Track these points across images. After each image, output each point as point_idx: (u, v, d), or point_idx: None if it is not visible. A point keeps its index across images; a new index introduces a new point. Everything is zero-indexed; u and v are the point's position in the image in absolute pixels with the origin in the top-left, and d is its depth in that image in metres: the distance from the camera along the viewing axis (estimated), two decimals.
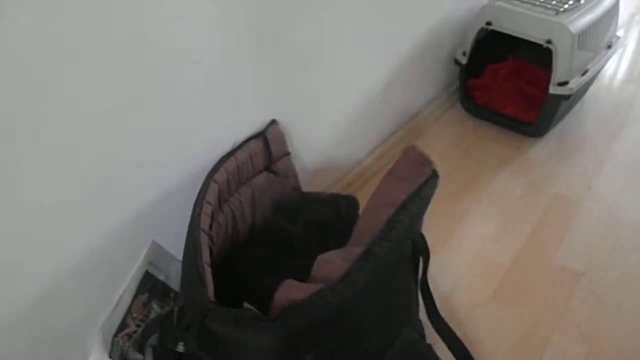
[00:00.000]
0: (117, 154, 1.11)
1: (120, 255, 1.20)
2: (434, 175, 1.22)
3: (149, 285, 1.25)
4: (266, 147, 1.40)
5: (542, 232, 1.86)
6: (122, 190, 1.16)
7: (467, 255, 1.79)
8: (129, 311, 1.22)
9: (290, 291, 0.98)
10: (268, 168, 1.42)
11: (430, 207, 1.93)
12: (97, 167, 1.08)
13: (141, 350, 1.23)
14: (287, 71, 1.46)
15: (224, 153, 1.34)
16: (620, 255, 1.77)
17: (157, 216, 1.25)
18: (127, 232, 1.19)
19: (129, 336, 1.21)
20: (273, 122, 1.44)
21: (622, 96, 2.59)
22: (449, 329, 1.33)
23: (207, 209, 1.16)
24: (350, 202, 1.44)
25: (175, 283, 1.33)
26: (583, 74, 2.18)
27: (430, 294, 1.29)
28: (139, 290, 1.23)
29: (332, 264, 1.03)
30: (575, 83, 2.13)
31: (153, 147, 1.18)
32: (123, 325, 1.20)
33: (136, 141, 1.14)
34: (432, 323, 1.29)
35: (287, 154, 1.47)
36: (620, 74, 2.77)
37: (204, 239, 1.08)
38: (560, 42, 2.07)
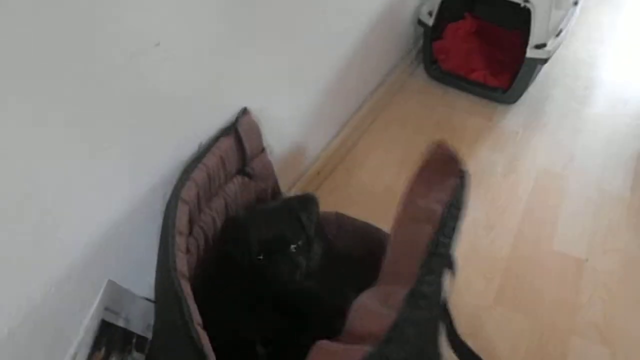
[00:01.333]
0: (48, 175, 0.81)
1: (67, 308, 0.91)
2: (465, 175, 0.99)
3: (107, 337, 0.97)
4: (239, 145, 1.12)
5: (534, 216, 1.71)
6: (64, 226, 0.86)
7: (461, 245, 1.58)
8: None
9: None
10: (242, 170, 1.15)
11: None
12: (19, 198, 0.77)
13: None
14: (254, 51, 1.18)
15: (189, 158, 1.04)
16: (617, 237, 1.66)
17: (111, 248, 0.96)
18: (73, 277, 0.90)
19: None
20: (244, 111, 1.17)
21: (580, 56, 2.45)
22: (473, 353, 1.13)
23: (181, 241, 0.88)
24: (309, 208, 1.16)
25: (137, 325, 1.06)
26: (557, 35, 1.99)
27: (450, 316, 1.06)
28: (95, 347, 0.95)
29: (372, 313, 0.80)
30: (552, 45, 1.94)
31: (99, 159, 0.89)
32: None
33: (78, 153, 0.84)
34: (454, 348, 1.07)
35: (263, 150, 1.20)
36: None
37: (186, 289, 0.80)
38: (538, 1, 1.87)
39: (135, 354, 1.07)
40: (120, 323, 1.02)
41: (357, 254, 1.25)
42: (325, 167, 1.74)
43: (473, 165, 1.85)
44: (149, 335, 1.10)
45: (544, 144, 1.97)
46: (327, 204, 1.68)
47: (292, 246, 1.06)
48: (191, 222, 0.97)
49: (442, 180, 0.99)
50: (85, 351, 0.94)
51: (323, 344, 0.78)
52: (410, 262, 0.86)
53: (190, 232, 0.99)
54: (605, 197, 1.77)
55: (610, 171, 1.86)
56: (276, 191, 1.25)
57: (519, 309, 1.43)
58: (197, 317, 0.77)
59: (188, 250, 0.96)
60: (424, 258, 0.86)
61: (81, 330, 0.94)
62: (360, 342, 0.77)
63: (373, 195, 1.74)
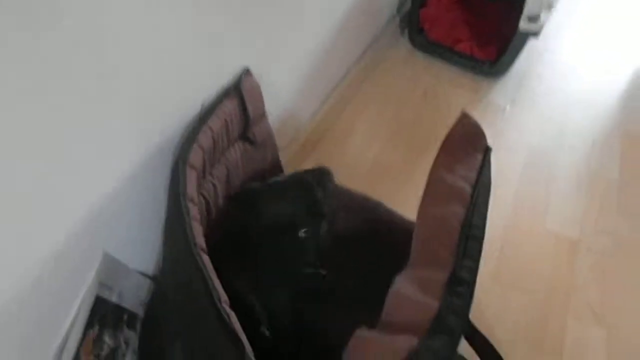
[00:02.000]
0: (45, 142, 0.71)
1: (63, 283, 0.81)
2: (488, 151, 0.92)
3: (100, 314, 0.88)
4: (242, 108, 1.04)
5: (526, 194, 1.67)
6: (61, 193, 0.76)
7: None
8: (77, 358, 0.84)
9: (372, 355, 0.68)
10: (243, 136, 1.06)
11: (401, 166, 1.71)
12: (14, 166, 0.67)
13: None
14: (256, 12, 1.09)
15: (192, 120, 0.95)
16: (608, 219, 1.64)
17: (108, 218, 0.87)
18: (71, 250, 0.80)
19: None
20: (247, 72, 1.07)
21: (564, 32, 2.40)
22: (485, 340, 1.08)
23: (195, 211, 0.80)
24: (324, 183, 1.09)
25: (129, 301, 0.98)
26: (550, 7, 1.94)
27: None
28: (89, 325, 0.87)
29: (412, 301, 0.73)
30: (545, 18, 1.89)
31: (99, 122, 0.79)
32: None
33: (75, 117, 0.74)
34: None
35: (264, 114, 1.11)
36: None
37: (209, 265, 0.72)
38: None
39: (127, 332, 0.99)
40: (114, 299, 0.94)
41: (356, 229, 1.18)
42: (310, 139, 1.66)
43: None
44: (140, 312, 1.02)
45: (533, 120, 1.93)
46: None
47: (302, 230, 0.99)
48: (198, 185, 0.89)
49: (467, 156, 0.92)
50: (79, 329, 0.86)
51: (364, 333, 0.71)
52: (443, 244, 0.80)
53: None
54: (596, 177, 1.75)
55: (599, 150, 1.84)
56: (275, 161, 1.17)
57: (516, 287, 1.40)
58: (224, 297, 0.69)
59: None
60: (458, 241, 0.79)
61: (74, 307, 0.85)
62: (401, 332, 0.71)
63: (360, 167, 1.67)
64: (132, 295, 0.98)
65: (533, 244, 1.53)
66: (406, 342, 0.68)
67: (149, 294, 1.03)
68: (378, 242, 1.16)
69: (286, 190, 1.03)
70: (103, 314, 0.91)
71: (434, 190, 0.89)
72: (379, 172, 1.67)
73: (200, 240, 0.75)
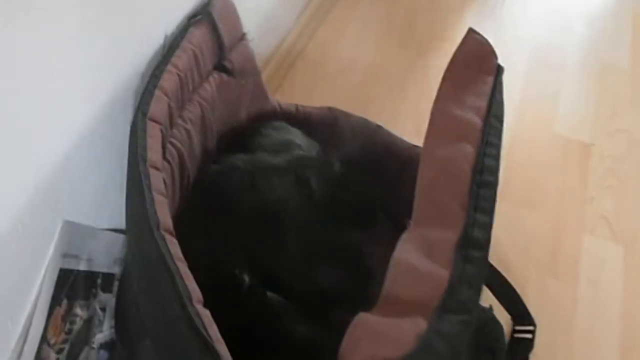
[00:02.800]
0: None
1: (19, 260, 0.69)
2: (500, 72, 0.79)
3: (67, 287, 0.78)
4: (214, 34, 0.88)
5: (531, 96, 1.54)
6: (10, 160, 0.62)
7: None
8: (43, 340, 0.75)
9: (373, 346, 0.57)
10: (219, 65, 0.91)
11: (396, 72, 1.55)
12: None
13: None
14: None
15: (153, 58, 0.80)
16: (622, 116, 1.52)
17: (65, 180, 0.74)
18: (25, 222, 0.68)
19: None
20: None
21: None
22: (498, 273, 0.99)
23: (157, 181, 0.67)
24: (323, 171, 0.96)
25: (101, 262, 0.88)
26: None
27: None
28: (54, 301, 0.76)
29: (418, 272, 0.62)
30: None
31: (32, 69, 0.62)
32: None
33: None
34: None
35: (243, 37, 0.96)
36: None
37: (175, 250, 0.60)
38: None
39: (102, 296, 0.89)
40: (82, 266, 0.83)
41: (357, 160, 1.06)
42: (296, 45, 1.50)
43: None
44: (116, 270, 0.91)
45: (536, 11, 1.76)
46: (303, 88, 1.47)
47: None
48: (163, 144, 0.75)
49: (475, 81, 0.79)
50: (43, 309, 0.76)
51: (366, 319, 0.60)
52: (452, 194, 0.68)
53: (163, 156, 0.76)
54: (606, 69, 1.62)
55: (609, 39, 1.70)
56: (259, 88, 1.02)
57: (526, 204, 1.30)
58: (196, 293, 0.57)
59: (164, 182, 0.74)
60: (469, 190, 0.67)
61: (35, 287, 0.74)
62: (408, 312, 0.60)
63: (352, 74, 1.53)
64: (104, 256, 0.88)
65: (541, 152, 1.42)
66: (413, 326, 0.58)
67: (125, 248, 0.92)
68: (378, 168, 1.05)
69: (275, 174, 0.89)
70: (71, 286, 0.80)
71: (439, 127, 0.76)
72: (373, 79, 1.53)
73: (165, 219, 0.62)
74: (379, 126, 1.08)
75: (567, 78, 1.58)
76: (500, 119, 0.76)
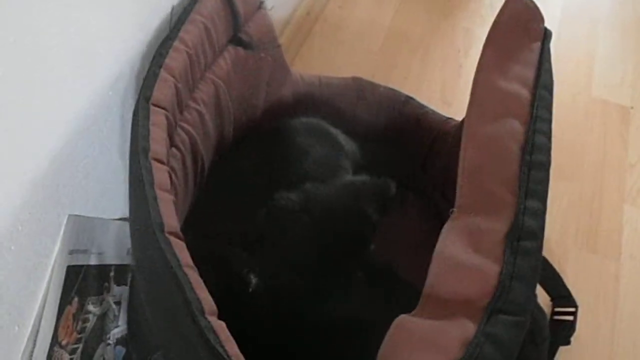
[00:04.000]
0: None
1: (25, 260, 0.64)
2: (547, 37, 0.72)
3: (77, 284, 0.73)
4: (228, 3, 0.81)
5: (565, 58, 1.44)
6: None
7: None
8: (54, 342, 0.70)
9: (415, 352, 0.51)
10: (234, 38, 0.83)
11: (420, 35, 1.46)
12: None
13: None
14: None
15: (161, 33, 0.73)
16: None
17: (67, 177, 0.67)
18: (29, 223, 0.62)
19: None
20: None
21: None
22: None
23: (162, 177, 0.60)
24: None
25: (113, 254, 0.83)
26: None
27: None
28: (63, 302, 0.72)
29: (464, 267, 0.56)
30: None
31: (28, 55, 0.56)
32: None
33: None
34: None
35: (260, 4, 0.88)
36: None
37: (184, 256, 0.54)
38: None
39: (116, 289, 0.84)
40: (92, 261, 0.78)
41: (384, 134, 0.98)
42: (314, 8, 1.41)
43: None
44: (129, 261, 0.86)
45: None
46: (322, 54, 1.38)
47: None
48: (170, 131, 0.68)
49: (522, 47, 0.72)
50: (52, 309, 0.71)
51: (407, 322, 0.54)
52: (498, 179, 0.62)
53: (171, 143, 0.70)
54: None
55: None
56: (279, 61, 0.94)
57: (561, 174, 1.22)
58: (209, 305, 0.51)
59: (172, 171, 0.67)
60: (519, 173, 0.61)
61: (43, 287, 0.69)
62: (454, 314, 0.54)
63: (373, 38, 1.44)
64: (115, 247, 0.83)
65: (578, 117, 1.34)
66: (459, 331, 0.52)
67: None
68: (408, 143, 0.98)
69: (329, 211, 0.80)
70: (81, 283, 0.75)
71: (482, 101, 0.69)
72: (394, 43, 1.44)
73: (171, 220, 0.56)
74: (409, 97, 1.01)
75: (603, 35, 1.48)
76: (550, 90, 0.69)
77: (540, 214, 0.59)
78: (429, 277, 0.58)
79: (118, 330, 0.85)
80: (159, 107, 0.65)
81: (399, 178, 0.92)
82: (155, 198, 0.56)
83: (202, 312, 0.50)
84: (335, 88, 0.99)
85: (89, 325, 0.78)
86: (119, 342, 0.85)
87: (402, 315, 0.55)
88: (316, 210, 0.77)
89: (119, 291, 0.85)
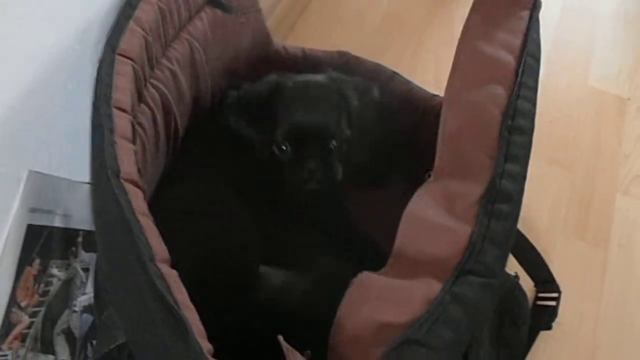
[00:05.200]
0: None
1: None
2: (537, 6, 0.70)
3: (38, 245, 0.70)
4: None
5: (564, 46, 1.43)
6: None
7: None
8: (12, 303, 0.68)
9: (375, 309, 0.49)
10: None
11: (417, 19, 1.43)
12: None
13: (48, 346, 0.75)
14: None
15: None
16: None
17: (30, 133, 0.65)
18: None
19: (23, 337, 0.71)
20: None
21: None
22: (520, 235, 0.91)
23: (123, 125, 0.58)
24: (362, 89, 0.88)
25: (81, 219, 0.80)
26: None
27: None
28: (23, 262, 0.69)
29: (435, 227, 0.55)
30: None
31: None
32: (5, 328, 0.68)
33: None
34: None
35: None
36: None
37: (138, 202, 0.52)
38: None
39: (84, 256, 0.81)
40: (57, 223, 0.75)
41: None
42: None
43: None
44: None
45: None
46: (315, 33, 1.36)
47: (333, 142, 0.80)
48: (138, 85, 0.66)
49: (509, 14, 0.70)
50: (9, 269, 0.68)
51: (369, 279, 0.53)
52: (478, 142, 0.60)
53: (140, 99, 0.67)
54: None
55: None
56: (261, 30, 0.92)
57: (555, 161, 1.21)
58: (161, 252, 0.49)
59: (140, 126, 0.65)
60: (499, 137, 0.59)
61: (1, 242, 0.66)
62: (421, 273, 0.52)
63: (369, 21, 1.41)
64: (85, 212, 0.80)
65: (573, 105, 1.32)
66: (424, 289, 0.50)
67: None
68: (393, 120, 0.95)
69: (311, 89, 0.82)
70: (44, 244, 0.73)
71: (466, 66, 0.68)
72: (389, 26, 1.41)
73: (128, 167, 0.54)
74: (394, 73, 0.98)
75: (602, 26, 1.46)
76: (537, 59, 0.67)
77: (519, 178, 0.57)
78: (398, 236, 0.56)
79: (85, 297, 0.82)
80: (125, 57, 0.63)
81: (385, 155, 0.91)
82: (113, 144, 0.54)
83: (152, 259, 0.48)
84: (319, 60, 0.97)
85: (53, 289, 0.76)
86: (86, 310, 0.82)
87: (365, 272, 0.54)
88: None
89: (88, 258, 0.82)
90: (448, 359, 0.47)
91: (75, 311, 0.80)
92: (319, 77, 0.84)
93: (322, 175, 0.79)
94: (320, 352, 0.51)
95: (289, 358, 0.46)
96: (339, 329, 0.51)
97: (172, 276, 0.48)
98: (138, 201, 0.51)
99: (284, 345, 0.47)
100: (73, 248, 0.79)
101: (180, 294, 0.47)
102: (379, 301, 0.51)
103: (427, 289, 0.50)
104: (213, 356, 0.45)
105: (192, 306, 0.47)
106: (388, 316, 0.48)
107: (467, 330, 0.48)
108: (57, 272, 0.76)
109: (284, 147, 0.79)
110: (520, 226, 0.94)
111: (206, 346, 0.45)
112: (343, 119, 0.81)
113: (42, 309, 0.74)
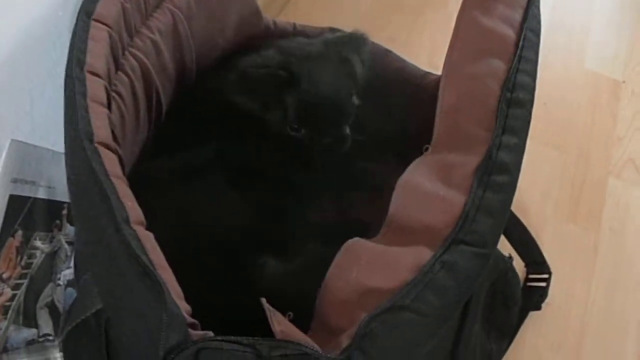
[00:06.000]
0: None
1: None
2: None
3: (21, 216, 0.70)
4: None
5: (560, 26, 1.40)
6: None
7: None
8: None
9: (363, 274, 0.50)
10: None
11: (415, 4, 1.40)
12: None
13: (30, 320, 0.74)
14: None
15: None
16: None
17: (6, 95, 0.64)
18: None
19: (5, 310, 0.71)
20: None
21: None
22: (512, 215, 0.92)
23: (95, 88, 0.57)
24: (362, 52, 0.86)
25: (64, 190, 0.79)
26: None
27: None
28: (5, 233, 0.70)
29: (429, 196, 0.55)
30: None
31: None
32: None
33: None
34: None
35: None
36: None
37: (112, 167, 0.51)
38: None
39: (69, 229, 0.81)
40: (41, 194, 0.74)
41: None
42: None
43: None
44: None
45: None
46: (310, 9, 1.34)
47: (347, 118, 0.79)
48: (115, 52, 0.64)
49: None
50: None
51: (359, 244, 0.52)
52: (476, 117, 0.59)
53: (118, 67, 0.66)
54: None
55: None
56: (249, 2, 0.90)
57: (548, 143, 1.19)
58: (135, 214, 0.48)
59: (117, 95, 0.64)
60: (496, 109, 0.58)
61: None
62: (412, 241, 0.52)
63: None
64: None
65: (569, 88, 1.30)
66: (414, 256, 0.50)
67: None
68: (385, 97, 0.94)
69: (319, 61, 0.79)
70: (27, 215, 0.72)
71: (465, 40, 0.67)
72: (386, 4, 1.39)
73: (102, 131, 0.52)
74: (388, 51, 0.97)
75: (599, 9, 1.45)
76: (537, 34, 0.66)
77: (516, 150, 0.57)
78: (392, 204, 0.56)
79: (70, 271, 0.81)
80: (101, 22, 0.61)
81: (379, 135, 0.90)
82: (86, 108, 0.53)
83: (127, 221, 0.47)
84: (310, 36, 0.95)
85: (36, 261, 0.75)
86: (70, 283, 0.81)
87: (356, 238, 0.53)
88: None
89: (73, 231, 0.81)
90: (436, 325, 0.46)
91: (59, 285, 0.80)
92: (318, 46, 0.82)
93: (338, 148, 0.78)
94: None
95: (271, 319, 0.45)
96: (326, 292, 0.51)
97: (148, 238, 0.47)
98: (112, 164, 0.51)
99: (267, 307, 0.47)
100: (57, 221, 0.79)
101: (156, 255, 0.46)
102: (369, 266, 0.51)
103: (418, 256, 0.50)
104: (191, 316, 0.44)
105: (168, 267, 0.47)
106: (376, 281, 0.48)
107: (456, 297, 0.48)
108: (40, 245, 0.75)
109: (296, 127, 0.78)
110: (512, 207, 0.94)
111: (184, 307, 0.44)
112: (353, 90, 0.80)
113: (25, 282, 0.73)
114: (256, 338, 0.42)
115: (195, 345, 0.41)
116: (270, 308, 0.47)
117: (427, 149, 0.63)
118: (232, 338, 0.42)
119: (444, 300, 0.46)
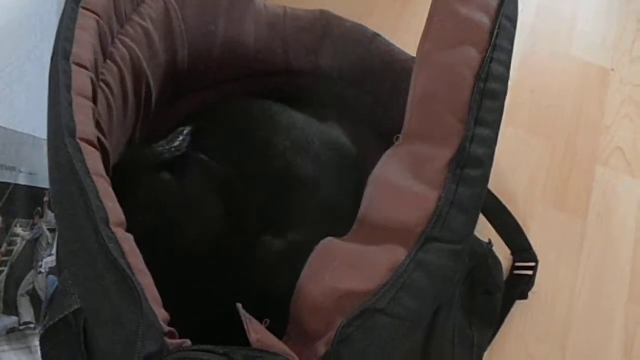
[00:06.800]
0: None
1: None
2: None
3: (1, 203, 0.70)
4: None
5: (548, 12, 1.38)
6: None
7: None
8: None
9: (337, 276, 0.48)
10: None
11: None
12: None
13: (11, 307, 0.73)
14: None
15: None
16: None
17: None
18: None
19: None
20: None
21: None
22: (499, 203, 0.90)
23: (82, 80, 0.55)
24: None
25: (46, 177, 0.76)
26: None
27: None
28: None
29: (401, 192, 0.53)
30: None
31: None
32: None
33: None
34: None
35: None
36: None
37: (93, 163, 0.49)
38: None
39: (51, 216, 0.79)
40: (21, 181, 0.73)
41: (350, 72, 0.93)
42: None
43: None
44: None
45: None
46: None
47: None
48: (103, 41, 0.62)
49: None
50: None
51: (332, 245, 0.50)
52: (449, 107, 0.57)
53: (106, 56, 0.64)
54: None
55: None
56: None
57: (536, 130, 1.18)
58: (116, 215, 0.46)
59: (105, 85, 0.62)
60: (470, 100, 0.56)
61: None
62: (385, 240, 0.50)
63: None
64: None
65: (556, 75, 1.28)
66: (388, 256, 0.49)
67: None
68: (371, 82, 0.93)
69: None
70: (7, 202, 0.70)
71: (439, 27, 0.64)
72: None
73: (85, 126, 0.51)
74: (376, 34, 0.95)
75: None
76: (513, 21, 0.64)
77: (489, 142, 0.55)
78: (364, 202, 0.54)
79: (52, 259, 0.80)
80: (89, 11, 0.59)
81: (364, 120, 0.89)
82: (69, 102, 0.51)
83: (106, 222, 0.45)
84: (301, 21, 0.93)
85: (17, 249, 0.74)
86: (52, 271, 0.80)
87: (328, 238, 0.52)
88: None
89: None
90: (412, 328, 0.45)
91: (41, 272, 0.78)
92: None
93: None
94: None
95: (247, 327, 0.44)
96: (300, 297, 0.49)
97: (127, 240, 0.46)
98: (94, 162, 0.49)
99: (243, 313, 0.46)
100: (39, 208, 0.77)
101: (135, 258, 0.45)
102: (342, 268, 0.49)
103: (392, 256, 0.48)
104: (169, 325, 0.43)
105: (147, 271, 0.45)
106: (351, 284, 0.47)
107: (432, 298, 0.46)
108: (21, 232, 0.74)
109: None
110: (498, 195, 0.94)
111: (161, 314, 0.43)
112: None
113: (5, 269, 0.72)
114: (232, 347, 0.41)
115: (171, 356, 0.40)
116: (247, 315, 0.46)
117: (397, 138, 0.61)
118: (208, 347, 0.41)
119: (420, 302, 0.45)
